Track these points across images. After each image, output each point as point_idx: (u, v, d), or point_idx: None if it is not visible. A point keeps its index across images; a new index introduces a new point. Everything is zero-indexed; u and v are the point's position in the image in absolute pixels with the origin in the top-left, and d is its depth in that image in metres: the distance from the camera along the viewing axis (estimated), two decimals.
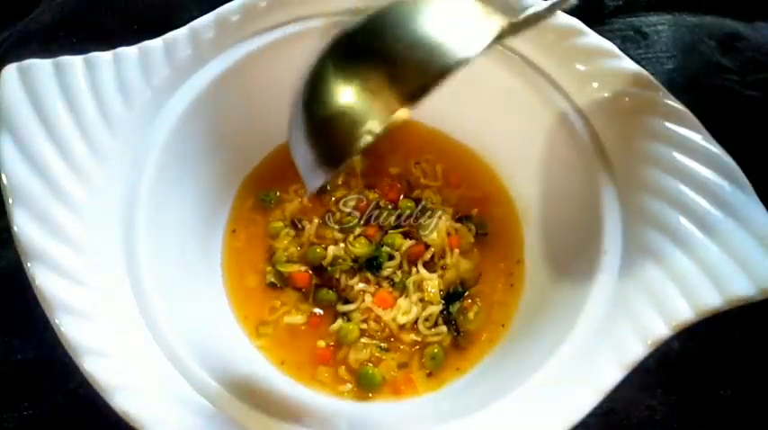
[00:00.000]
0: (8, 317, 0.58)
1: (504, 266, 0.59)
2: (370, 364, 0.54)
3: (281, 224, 0.61)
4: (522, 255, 0.60)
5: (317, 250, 0.59)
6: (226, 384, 0.46)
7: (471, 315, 0.57)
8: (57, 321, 0.42)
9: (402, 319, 0.55)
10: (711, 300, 0.44)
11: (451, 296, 0.57)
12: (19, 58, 0.50)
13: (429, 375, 0.54)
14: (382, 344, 0.55)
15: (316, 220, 0.61)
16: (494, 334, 0.56)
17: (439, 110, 0.62)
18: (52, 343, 0.42)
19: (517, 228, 0.61)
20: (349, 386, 0.54)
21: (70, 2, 0.76)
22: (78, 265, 0.45)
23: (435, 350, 0.55)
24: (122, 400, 0.40)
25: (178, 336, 0.47)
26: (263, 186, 0.63)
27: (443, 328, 0.56)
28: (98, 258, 0.46)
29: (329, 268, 0.58)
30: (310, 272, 0.59)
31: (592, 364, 0.43)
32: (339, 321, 0.56)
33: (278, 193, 0.63)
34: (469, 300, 0.58)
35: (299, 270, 0.59)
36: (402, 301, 0.56)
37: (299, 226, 0.61)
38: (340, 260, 0.58)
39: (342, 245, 0.59)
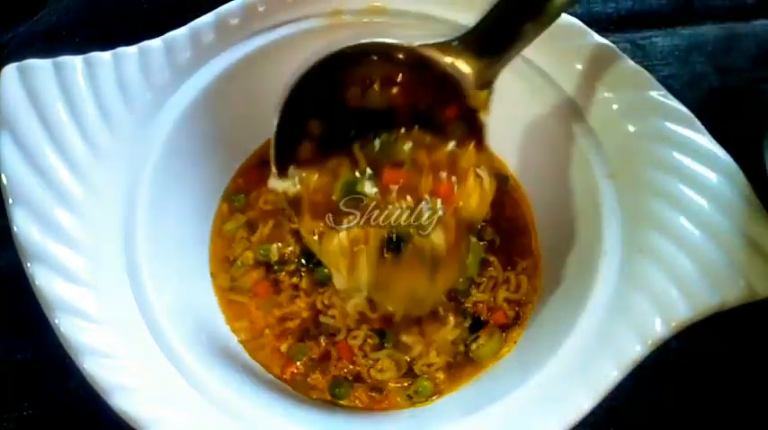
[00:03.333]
0: (8, 317, 0.58)
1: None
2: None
3: (233, 226, 0.60)
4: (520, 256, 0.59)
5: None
6: (226, 384, 0.46)
7: (481, 343, 0.54)
8: (56, 321, 0.42)
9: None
10: (711, 300, 0.44)
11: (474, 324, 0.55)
12: (22, 58, 0.50)
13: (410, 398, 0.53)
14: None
15: (270, 222, 0.60)
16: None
17: None
18: (52, 343, 0.42)
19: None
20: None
21: (75, 3, 0.76)
22: (78, 265, 0.45)
23: (425, 383, 0.52)
24: (122, 400, 0.40)
25: (178, 336, 0.47)
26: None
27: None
28: (98, 258, 0.46)
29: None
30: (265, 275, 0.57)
31: (591, 365, 0.43)
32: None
33: (243, 196, 0.61)
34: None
35: (257, 278, 0.57)
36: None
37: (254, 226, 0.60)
38: None
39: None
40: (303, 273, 0.58)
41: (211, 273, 0.58)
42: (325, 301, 0.56)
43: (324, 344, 0.55)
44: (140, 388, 0.42)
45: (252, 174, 0.62)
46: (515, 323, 0.55)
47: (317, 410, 0.51)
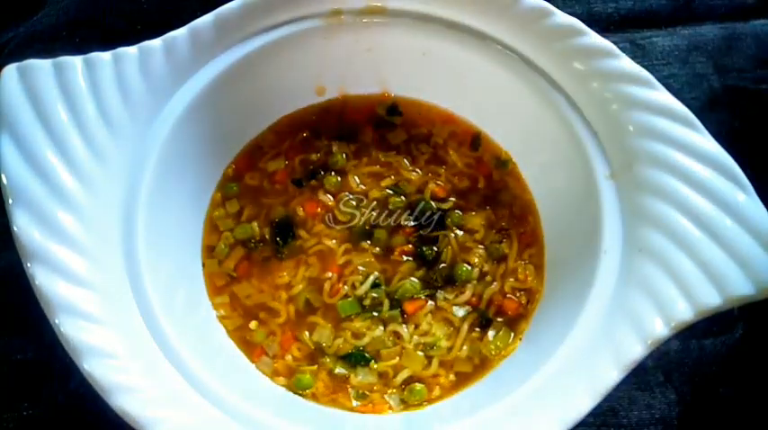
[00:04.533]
0: (8, 317, 0.58)
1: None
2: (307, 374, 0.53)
3: (222, 212, 0.59)
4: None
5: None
6: (225, 384, 0.46)
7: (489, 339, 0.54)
8: (56, 321, 0.42)
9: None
10: (711, 299, 0.44)
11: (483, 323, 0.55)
12: (22, 58, 0.50)
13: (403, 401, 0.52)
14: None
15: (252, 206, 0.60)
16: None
17: (436, 110, 0.63)
18: (52, 343, 0.42)
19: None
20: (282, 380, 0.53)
21: (75, 3, 0.76)
22: (78, 266, 0.45)
23: (417, 387, 0.52)
24: (122, 400, 0.40)
25: (177, 336, 0.47)
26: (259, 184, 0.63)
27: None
28: (98, 258, 0.46)
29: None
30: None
31: (591, 365, 0.43)
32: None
33: (234, 187, 0.60)
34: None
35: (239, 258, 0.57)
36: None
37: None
38: None
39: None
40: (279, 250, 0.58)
41: (202, 264, 0.57)
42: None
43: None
44: (140, 388, 0.42)
45: (243, 159, 0.62)
46: (523, 315, 0.54)
47: (316, 411, 0.51)
